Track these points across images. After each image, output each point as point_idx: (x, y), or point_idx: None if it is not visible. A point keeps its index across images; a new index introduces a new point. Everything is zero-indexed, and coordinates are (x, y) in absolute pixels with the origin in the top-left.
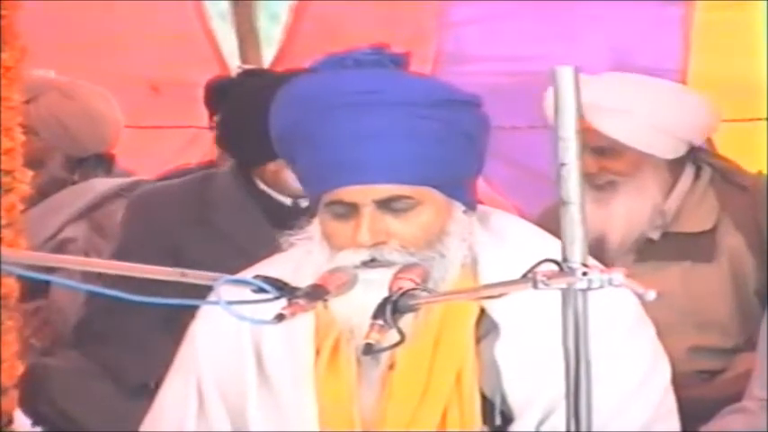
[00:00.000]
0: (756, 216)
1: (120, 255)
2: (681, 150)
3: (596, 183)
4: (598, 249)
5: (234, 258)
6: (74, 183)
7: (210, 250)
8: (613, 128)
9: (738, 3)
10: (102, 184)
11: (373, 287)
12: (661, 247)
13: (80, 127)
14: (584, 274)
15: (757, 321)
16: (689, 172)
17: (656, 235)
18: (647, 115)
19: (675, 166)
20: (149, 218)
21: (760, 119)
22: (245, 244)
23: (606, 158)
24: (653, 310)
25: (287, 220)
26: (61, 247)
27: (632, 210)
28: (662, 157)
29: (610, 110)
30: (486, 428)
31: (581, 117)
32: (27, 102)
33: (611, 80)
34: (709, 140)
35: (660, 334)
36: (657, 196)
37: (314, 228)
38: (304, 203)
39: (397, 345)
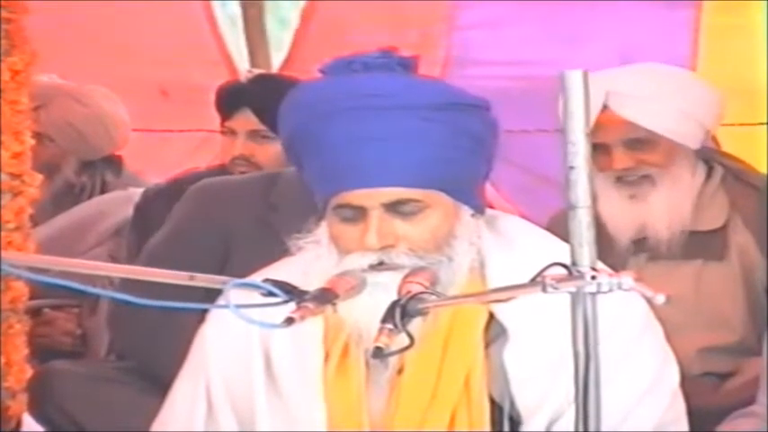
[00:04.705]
0: (764, 215)
1: (170, 238)
2: (700, 140)
3: (630, 178)
4: (639, 246)
5: None
6: (83, 186)
7: (265, 251)
8: (645, 117)
9: (744, 8)
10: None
11: (382, 290)
12: (673, 246)
13: (93, 131)
14: (594, 277)
15: (766, 321)
16: (701, 171)
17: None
18: (675, 102)
19: None
20: (209, 208)
21: (763, 123)
22: None
23: (641, 151)
24: (664, 310)
25: None
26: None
27: (673, 202)
28: (690, 147)
29: (639, 99)
30: None
31: (608, 113)
32: (36, 108)
33: (636, 70)
34: (715, 142)
35: (671, 334)
36: (694, 188)
37: (322, 231)
38: None
39: (406, 348)
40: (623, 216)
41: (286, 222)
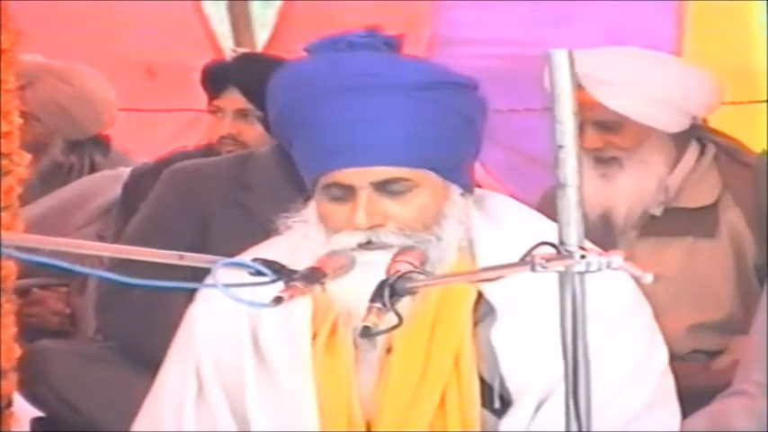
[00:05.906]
0: (757, 193)
1: (146, 221)
2: (684, 124)
3: (602, 157)
4: (604, 225)
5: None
6: (71, 166)
7: (240, 232)
8: (614, 100)
9: None
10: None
11: (370, 270)
12: (663, 223)
13: (79, 110)
14: (583, 257)
15: (756, 298)
16: (693, 149)
17: (658, 211)
18: (647, 87)
19: (680, 142)
20: (184, 190)
21: (759, 101)
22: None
23: (610, 133)
24: (654, 287)
25: None
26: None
27: (638, 184)
28: (665, 131)
29: (610, 82)
30: (485, 411)
31: (583, 92)
32: (22, 87)
33: (610, 53)
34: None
35: (661, 311)
36: (662, 171)
37: (310, 211)
38: None
39: (394, 328)
40: (592, 194)
41: (259, 202)
